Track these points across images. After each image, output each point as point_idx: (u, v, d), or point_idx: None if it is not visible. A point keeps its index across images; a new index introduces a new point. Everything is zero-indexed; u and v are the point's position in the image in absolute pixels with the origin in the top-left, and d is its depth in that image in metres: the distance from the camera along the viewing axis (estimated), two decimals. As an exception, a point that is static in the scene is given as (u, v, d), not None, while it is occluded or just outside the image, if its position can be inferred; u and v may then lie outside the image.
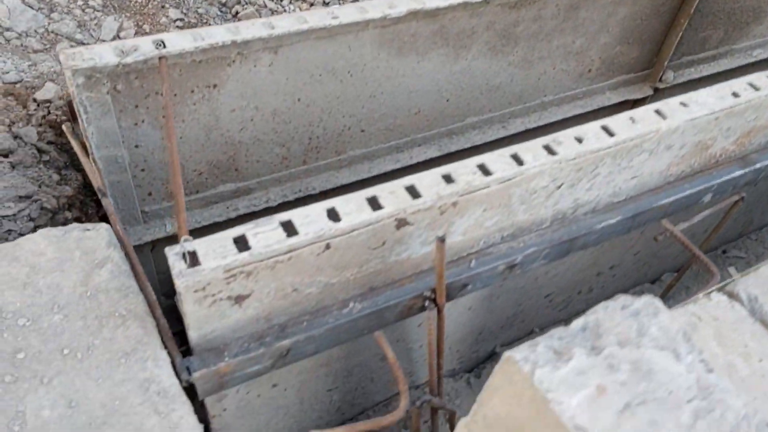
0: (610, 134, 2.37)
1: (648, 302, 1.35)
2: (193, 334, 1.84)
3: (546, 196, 2.36)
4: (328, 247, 1.90)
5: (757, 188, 3.41)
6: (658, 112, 2.46)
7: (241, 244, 1.80)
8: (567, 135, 2.30)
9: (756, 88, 2.65)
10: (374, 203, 1.99)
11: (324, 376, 2.59)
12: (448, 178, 2.09)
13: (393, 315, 2.17)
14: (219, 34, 2.38)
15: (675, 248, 3.70)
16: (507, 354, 1.24)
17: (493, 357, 3.47)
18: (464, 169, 2.12)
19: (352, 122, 3.10)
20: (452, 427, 2.41)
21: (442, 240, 1.83)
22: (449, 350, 3.13)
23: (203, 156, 2.74)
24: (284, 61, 2.63)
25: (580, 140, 2.31)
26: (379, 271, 2.15)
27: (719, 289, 2.13)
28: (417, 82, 3.16)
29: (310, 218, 1.88)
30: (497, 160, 2.17)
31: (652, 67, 4.23)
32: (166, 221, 2.80)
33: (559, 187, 2.37)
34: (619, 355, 1.25)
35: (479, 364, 3.47)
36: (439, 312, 2.17)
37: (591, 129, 2.34)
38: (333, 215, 1.92)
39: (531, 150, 2.22)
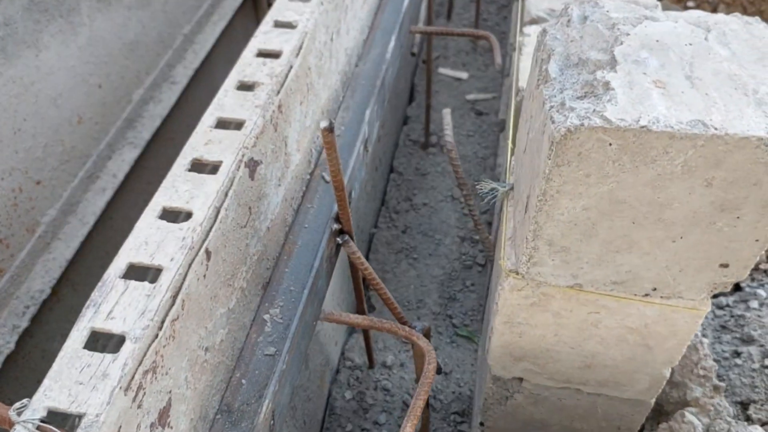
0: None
1: None
2: None
3: (329, 57, 1.89)
4: (208, 255, 1.19)
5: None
6: None
7: (106, 342, 1.00)
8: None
9: None
10: (200, 166, 1.30)
11: None
12: (246, 87, 1.48)
13: (317, 287, 1.55)
14: None
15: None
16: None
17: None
18: (253, 66, 1.52)
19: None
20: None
21: (330, 129, 1.26)
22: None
23: None
24: None
25: (314, -24, 1.85)
26: (262, 253, 1.49)
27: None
28: (51, 78, 2.30)
29: (153, 239, 1.14)
30: (277, 38, 1.61)
31: (244, -52, 3.86)
32: None
33: (332, 38, 1.91)
34: None
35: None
36: (353, 238, 1.62)
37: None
38: (174, 215, 1.20)
39: (284, 13, 1.70)
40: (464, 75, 4.11)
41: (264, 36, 1.63)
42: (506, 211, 1.49)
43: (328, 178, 1.81)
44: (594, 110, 1.02)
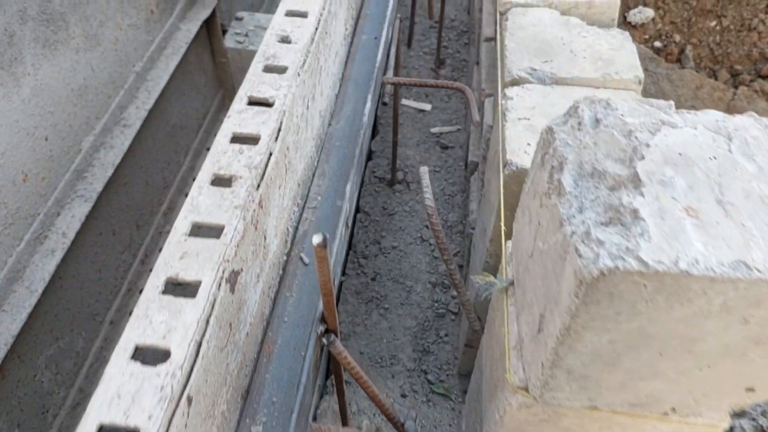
0: (300, 15, 1.83)
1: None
2: None
3: (305, 127, 1.76)
4: (189, 401, 1.04)
5: None
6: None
7: None
8: (270, 47, 1.69)
9: None
10: (176, 287, 1.16)
11: None
12: (222, 181, 1.34)
13: (305, 403, 1.42)
14: None
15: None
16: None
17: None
18: (229, 155, 1.38)
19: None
20: None
21: (323, 244, 1.13)
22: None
23: None
24: None
25: (287, 41, 1.72)
26: (241, 362, 1.35)
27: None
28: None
29: (126, 390, 0.99)
30: (252, 119, 1.47)
31: (198, -25, 3.67)
32: None
33: (308, 106, 1.78)
34: None
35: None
36: (338, 335, 1.50)
37: (275, 33, 1.76)
38: (149, 354, 1.05)
39: (258, 88, 1.56)
40: (428, 106, 4.02)
41: (238, 117, 1.49)
42: (506, 310, 1.39)
43: (306, 259, 1.68)
44: (627, 248, 0.93)
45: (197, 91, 3.83)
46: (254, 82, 1.58)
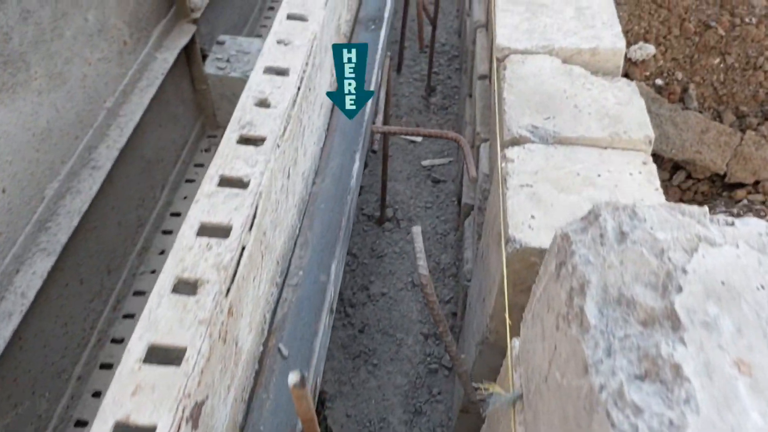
0: (281, 73, 1.65)
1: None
2: None
3: (286, 198, 1.58)
4: None
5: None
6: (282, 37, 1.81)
7: None
8: (247, 112, 1.51)
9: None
10: None
11: None
12: (186, 287, 1.16)
13: None
14: None
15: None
16: None
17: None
18: (195, 252, 1.20)
19: None
20: None
21: (301, 384, 0.96)
22: None
23: None
24: None
25: (266, 105, 1.55)
26: (209, 497, 1.17)
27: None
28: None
29: None
30: (223, 204, 1.29)
31: (175, 3, 3.48)
32: None
33: (289, 174, 1.60)
34: None
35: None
36: (323, 451, 1.32)
37: (252, 96, 1.58)
38: None
39: (231, 164, 1.38)
40: (418, 138, 3.85)
41: (208, 202, 1.30)
42: (514, 428, 1.23)
43: (285, 351, 1.50)
44: (671, 421, 0.76)
45: (175, 121, 3.64)
46: (227, 157, 1.40)
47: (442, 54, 4.54)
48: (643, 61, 2.88)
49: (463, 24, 4.29)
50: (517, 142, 1.83)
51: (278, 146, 1.45)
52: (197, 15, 3.59)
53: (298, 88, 1.63)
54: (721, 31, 2.89)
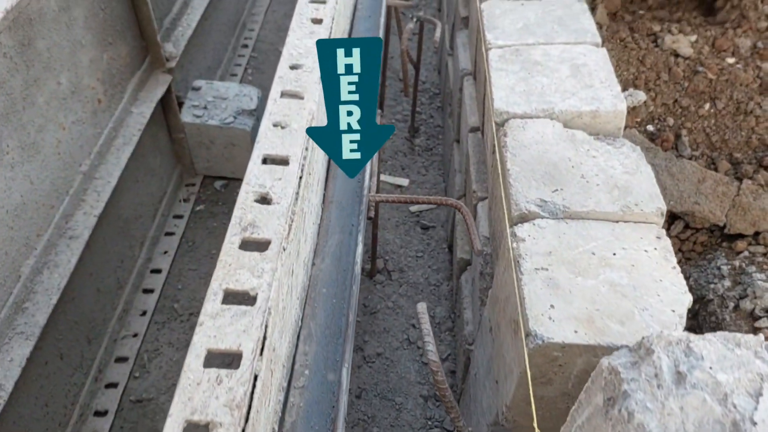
0: (281, 162, 1.56)
1: None
2: None
3: (290, 299, 1.49)
4: None
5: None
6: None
7: None
8: (248, 211, 1.41)
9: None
10: None
11: None
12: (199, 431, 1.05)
13: None
14: None
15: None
16: None
17: None
18: (204, 388, 1.09)
19: None
20: None
21: None
22: None
23: None
24: None
25: (267, 201, 1.45)
26: None
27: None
28: None
29: None
30: (231, 326, 1.18)
31: (150, 52, 3.36)
32: None
33: (293, 271, 1.51)
34: None
35: None
36: None
37: (252, 191, 1.49)
38: None
39: (236, 276, 1.28)
40: (405, 182, 3.78)
41: (213, 324, 1.20)
42: None
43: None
44: None
45: (152, 174, 3.51)
46: (230, 267, 1.30)
47: (423, 92, 4.48)
48: (635, 107, 2.85)
49: (443, 62, 4.25)
50: (526, 218, 1.76)
51: (284, 249, 1.36)
52: (172, 64, 3.47)
53: (300, 178, 1.53)
54: (711, 76, 2.87)
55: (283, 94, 1.75)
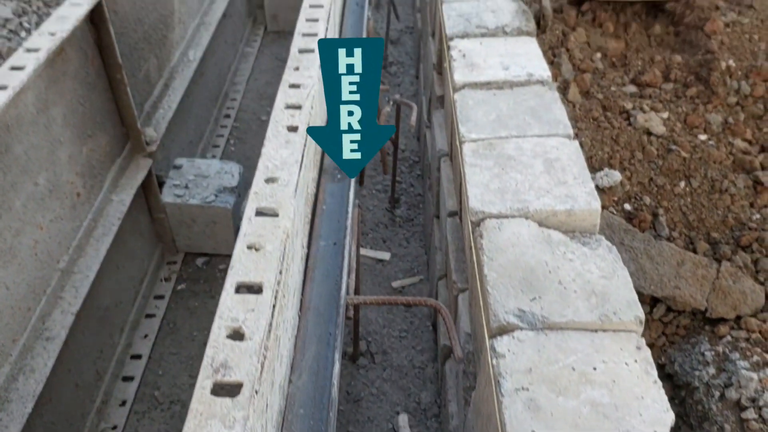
0: (254, 291, 1.55)
1: None
2: None
3: (263, 429, 1.46)
4: None
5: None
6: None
7: None
8: (219, 350, 1.39)
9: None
10: None
11: None
12: None
13: None
14: None
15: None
16: None
17: None
18: None
19: None
20: None
21: None
22: None
23: None
24: None
25: (239, 336, 1.43)
26: None
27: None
28: None
29: None
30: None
31: (130, 138, 3.37)
32: None
33: (267, 406, 1.48)
34: None
35: None
36: None
37: (224, 325, 1.47)
38: None
39: (211, 422, 1.26)
40: (386, 255, 3.77)
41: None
42: None
43: None
44: None
45: (133, 257, 3.48)
46: (201, 417, 1.27)
47: (403, 161, 4.52)
48: (611, 187, 2.88)
49: (422, 132, 4.30)
50: (504, 329, 1.75)
51: (256, 392, 1.33)
52: (153, 148, 3.48)
53: (273, 306, 1.52)
54: (684, 154, 2.92)
55: (258, 212, 1.75)
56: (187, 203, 3.75)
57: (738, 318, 2.47)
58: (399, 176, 4.37)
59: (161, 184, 3.80)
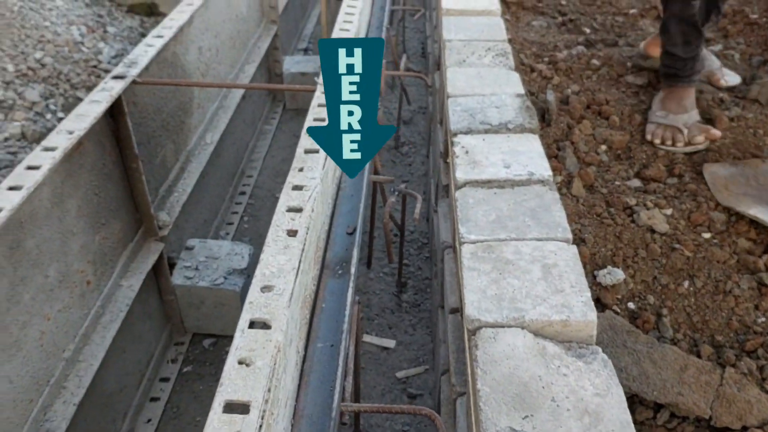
0: (241, 411, 1.56)
1: None
2: None
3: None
4: None
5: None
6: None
7: None
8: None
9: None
10: None
11: None
12: None
13: None
14: None
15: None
16: None
17: None
18: None
19: None
20: None
21: None
22: None
23: None
24: None
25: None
26: None
27: None
28: None
29: None
30: None
31: (143, 224, 3.46)
32: None
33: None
34: None
35: None
36: None
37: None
38: None
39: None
40: (391, 343, 3.76)
41: None
42: None
43: None
44: None
45: (140, 340, 3.52)
46: None
47: (411, 242, 4.56)
48: (614, 285, 2.88)
49: (430, 213, 4.35)
50: (497, 447, 1.74)
51: None
52: (165, 232, 3.57)
53: (260, 427, 1.53)
54: (687, 253, 2.92)
55: (251, 324, 1.78)
56: (197, 285, 3.81)
57: (744, 429, 2.40)
58: (407, 258, 4.40)
59: (172, 266, 3.88)
